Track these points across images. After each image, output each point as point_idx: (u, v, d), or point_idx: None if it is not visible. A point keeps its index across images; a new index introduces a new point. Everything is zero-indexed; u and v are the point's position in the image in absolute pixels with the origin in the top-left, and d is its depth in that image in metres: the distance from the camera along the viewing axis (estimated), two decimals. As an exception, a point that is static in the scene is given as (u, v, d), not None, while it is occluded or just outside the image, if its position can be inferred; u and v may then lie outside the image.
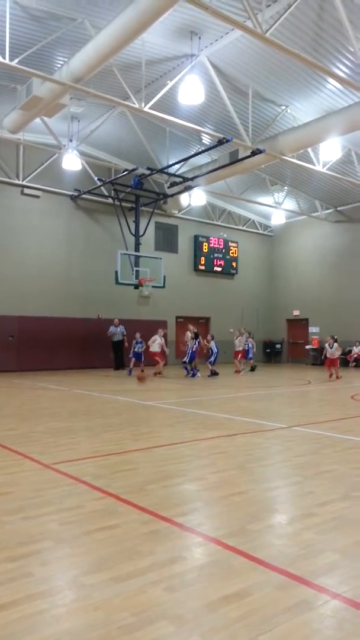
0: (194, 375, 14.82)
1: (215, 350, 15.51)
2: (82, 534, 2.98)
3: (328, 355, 14.51)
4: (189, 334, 15.45)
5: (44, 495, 3.72)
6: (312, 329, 22.93)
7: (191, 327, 15.76)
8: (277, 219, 22.85)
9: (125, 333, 17.36)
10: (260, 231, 25.17)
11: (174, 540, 2.92)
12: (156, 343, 15.13)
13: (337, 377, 14.30)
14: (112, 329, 17.45)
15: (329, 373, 14.52)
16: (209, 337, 16.11)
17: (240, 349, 16.87)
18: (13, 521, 3.17)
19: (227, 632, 1.99)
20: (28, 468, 4.53)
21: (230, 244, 23.57)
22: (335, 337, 14.95)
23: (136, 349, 15.66)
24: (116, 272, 17.06)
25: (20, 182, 17.56)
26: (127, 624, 2.03)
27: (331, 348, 14.46)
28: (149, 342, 15.19)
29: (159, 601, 2.22)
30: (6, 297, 16.85)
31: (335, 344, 14.55)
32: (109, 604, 2.19)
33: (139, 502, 3.52)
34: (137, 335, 15.82)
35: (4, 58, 9.97)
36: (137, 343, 15.64)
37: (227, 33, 11.16)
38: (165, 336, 15.93)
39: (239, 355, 16.85)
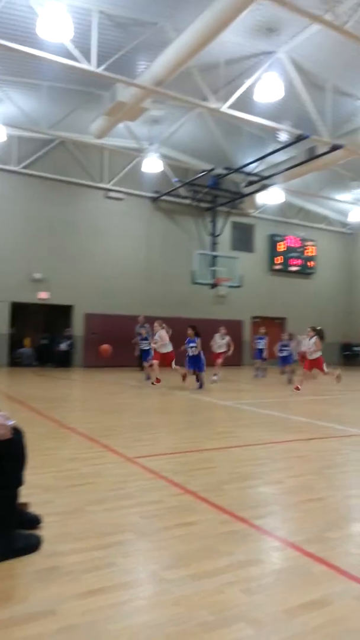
0: (201, 386, 11.12)
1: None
2: (162, 528, 3.07)
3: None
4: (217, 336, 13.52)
5: (125, 487, 3.86)
6: None
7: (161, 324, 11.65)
8: (357, 216, 21.97)
9: (150, 332, 15.48)
10: (339, 229, 24.33)
11: (251, 542, 2.93)
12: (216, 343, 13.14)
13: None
14: (138, 328, 15.15)
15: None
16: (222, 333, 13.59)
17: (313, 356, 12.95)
18: (98, 511, 3.32)
19: (306, 640, 1.98)
20: (110, 460, 4.72)
21: (307, 242, 22.98)
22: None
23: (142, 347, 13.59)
24: (193, 271, 17.22)
25: (104, 186, 18.23)
26: (206, 622, 2.08)
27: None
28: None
29: (237, 602, 2.24)
30: (90, 296, 17.57)
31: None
32: (188, 601, 2.24)
33: (217, 501, 3.56)
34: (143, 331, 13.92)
35: (91, 65, 10.40)
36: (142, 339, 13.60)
37: (306, 28, 10.91)
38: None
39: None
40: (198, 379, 10.98)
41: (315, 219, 23.69)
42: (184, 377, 11.31)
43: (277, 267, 22.09)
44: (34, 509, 3.13)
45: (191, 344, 10.99)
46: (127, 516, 3.26)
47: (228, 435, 6.28)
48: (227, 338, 13.50)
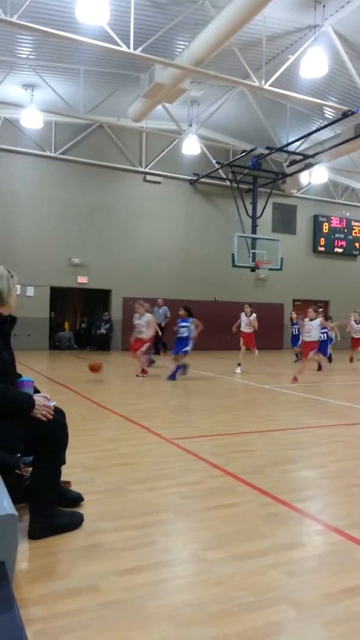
0: (173, 375, 9.73)
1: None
2: (203, 509, 3.07)
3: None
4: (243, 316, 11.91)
5: (166, 468, 3.89)
6: None
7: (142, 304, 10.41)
8: None
9: (168, 316, 15.66)
10: (387, 209, 23.46)
11: (293, 525, 2.89)
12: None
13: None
14: (156, 310, 14.69)
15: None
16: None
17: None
18: (139, 491, 3.35)
19: (349, 626, 1.94)
20: (151, 441, 4.76)
21: (354, 223, 22.30)
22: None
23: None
24: (233, 254, 17.03)
25: (143, 169, 18.20)
26: (247, 602, 2.06)
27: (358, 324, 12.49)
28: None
29: (279, 584, 2.22)
30: (129, 280, 17.68)
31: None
32: (229, 581, 2.23)
33: (257, 484, 3.52)
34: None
35: (129, 48, 10.31)
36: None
37: (354, -2, 10.43)
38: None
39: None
40: (177, 362, 9.79)
41: (360, 198, 22.96)
42: (143, 370, 10.16)
43: (321, 248, 21.58)
44: (75, 488, 3.18)
45: (182, 324, 9.87)
46: (168, 496, 3.28)
47: (267, 418, 6.22)
48: (253, 316, 11.71)
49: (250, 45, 12.12)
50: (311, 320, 9.76)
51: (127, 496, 3.26)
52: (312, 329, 9.74)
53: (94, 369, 9.34)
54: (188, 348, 9.83)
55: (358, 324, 12.62)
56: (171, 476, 3.69)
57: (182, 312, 10.16)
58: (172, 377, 9.65)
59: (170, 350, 11.62)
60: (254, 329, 11.61)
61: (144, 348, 10.07)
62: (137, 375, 10.06)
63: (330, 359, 12.94)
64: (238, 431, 5.37)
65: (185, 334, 9.83)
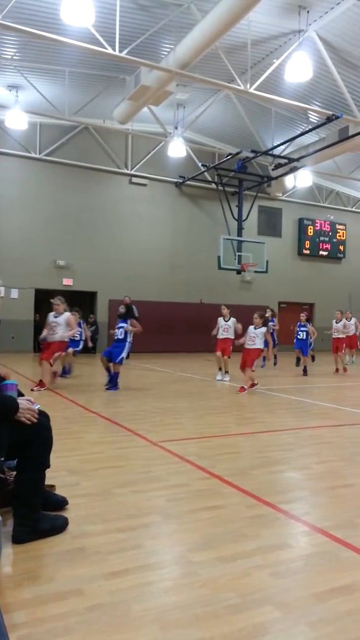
0: (111, 383, 8.62)
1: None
2: (189, 511, 3.06)
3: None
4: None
5: (152, 471, 3.87)
6: None
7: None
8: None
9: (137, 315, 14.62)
10: (371, 212, 23.75)
11: (279, 526, 2.90)
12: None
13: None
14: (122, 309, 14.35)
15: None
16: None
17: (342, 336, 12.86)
18: (124, 494, 3.33)
19: (335, 626, 1.94)
20: (137, 444, 4.74)
21: (338, 226, 22.52)
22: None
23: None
24: (219, 257, 17.08)
25: (128, 172, 18.18)
26: (233, 604, 2.06)
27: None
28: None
29: (265, 586, 2.22)
30: (115, 282, 17.63)
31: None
32: (215, 583, 2.23)
33: (243, 486, 3.53)
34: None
35: (115, 50, 10.29)
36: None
37: (338, 4, 10.54)
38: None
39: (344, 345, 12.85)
40: (109, 371, 8.58)
41: (347, 202, 23.17)
42: (54, 374, 8.75)
43: (306, 251, 21.75)
44: (60, 491, 3.15)
45: (120, 325, 8.66)
46: (154, 499, 3.26)
47: (253, 420, 6.23)
48: (231, 321, 10.37)
49: (235, 49, 12.19)
50: (256, 328, 8.75)
51: (112, 499, 3.24)
52: (256, 337, 8.71)
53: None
54: (123, 355, 8.50)
55: (338, 323, 12.85)
56: (157, 479, 3.67)
57: (121, 309, 8.93)
58: (112, 384, 8.45)
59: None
60: (236, 334, 10.08)
61: (56, 355, 8.48)
62: (33, 390, 7.89)
63: (312, 359, 13.11)
64: (224, 433, 5.37)
65: (121, 337, 8.56)
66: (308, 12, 10.91)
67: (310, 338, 12.24)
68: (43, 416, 2.78)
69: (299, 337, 12.07)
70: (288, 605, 2.06)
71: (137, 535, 2.71)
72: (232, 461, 4.22)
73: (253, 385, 8.74)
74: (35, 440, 2.65)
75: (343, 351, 12.75)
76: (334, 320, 13.07)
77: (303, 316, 12.35)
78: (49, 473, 2.78)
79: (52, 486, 3.16)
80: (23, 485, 2.62)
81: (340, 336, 12.82)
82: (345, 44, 11.92)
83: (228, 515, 3.01)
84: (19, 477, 2.64)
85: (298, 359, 12.45)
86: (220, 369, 10.42)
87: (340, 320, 13.08)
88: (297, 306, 19.98)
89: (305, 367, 11.78)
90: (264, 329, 8.88)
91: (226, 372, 10.28)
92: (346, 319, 13.35)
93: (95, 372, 11.35)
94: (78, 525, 2.78)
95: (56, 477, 3.43)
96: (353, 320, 13.68)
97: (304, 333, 12.03)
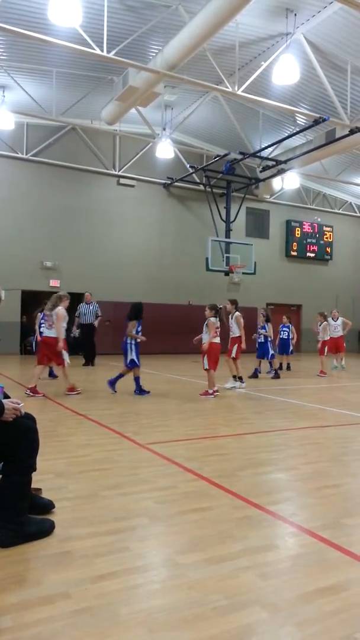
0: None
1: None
2: (176, 513, 3.06)
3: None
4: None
5: (139, 473, 3.86)
6: None
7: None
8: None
9: (99, 314, 13.66)
10: (358, 214, 23.97)
11: (266, 527, 2.91)
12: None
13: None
14: (83, 307, 13.41)
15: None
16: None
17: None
18: (111, 496, 3.32)
19: (322, 626, 1.95)
20: (125, 447, 4.72)
21: (325, 228, 22.70)
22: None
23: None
24: (207, 258, 17.12)
25: (116, 173, 18.14)
26: (221, 606, 2.06)
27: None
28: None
29: (252, 587, 2.22)
30: (103, 284, 17.56)
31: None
32: (202, 585, 2.23)
33: (231, 487, 3.54)
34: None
35: (102, 50, 10.27)
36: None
37: (325, 7, 10.63)
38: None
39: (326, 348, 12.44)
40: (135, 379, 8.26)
41: (334, 204, 23.36)
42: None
43: (294, 253, 21.88)
44: (46, 495, 3.13)
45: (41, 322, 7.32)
46: (141, 501, 3.25)
47: (241, 422, 6.25)
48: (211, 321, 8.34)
49: (223, 51, 12.23)
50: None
51: (99, 502, 3.22)
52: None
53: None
54: (131, 357, 8.11)
55: (320, 325, 12.62)
56: (145, 481, 3.67)
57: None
58: (136, 389, 8.22)
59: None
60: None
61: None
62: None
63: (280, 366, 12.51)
64: (212, 435, 5.38)
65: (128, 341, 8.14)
66: (295, 15, 10.99)
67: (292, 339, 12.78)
68: (29, 419, 2.76)
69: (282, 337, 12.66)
70: (275, 606, 2.07)
71: (124, 538, 2.70)
72: (220, 463, 4.22)
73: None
74: (21, 443, 2.63)
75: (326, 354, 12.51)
76: (331, 319, 13.27)
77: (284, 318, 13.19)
78: (35, 476, 2.76)
79: (39, 489, 3.14)
80: (9, 489, 2.60)
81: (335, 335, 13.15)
82: (332, 47, 12.03)
83: (216, 517, 3.01)
84: (4, 481, 2.62)
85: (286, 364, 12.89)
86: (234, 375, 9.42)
87: (337, 319, 13.43)
88: (285, 307, 20.06)
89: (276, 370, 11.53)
90: (211, 320, 8.17)
91: (238, 377, 9.32)
92: (333, 318, 13.46)
93: (82, 374, 11.30)
94: (65, 529, 2.77)
95: (42, 480, 3.41)
96: (340, 320, 13.74)
97: (286, 333, 12.66)
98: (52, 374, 10.46)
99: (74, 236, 17.44)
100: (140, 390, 8.23)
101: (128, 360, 8.15)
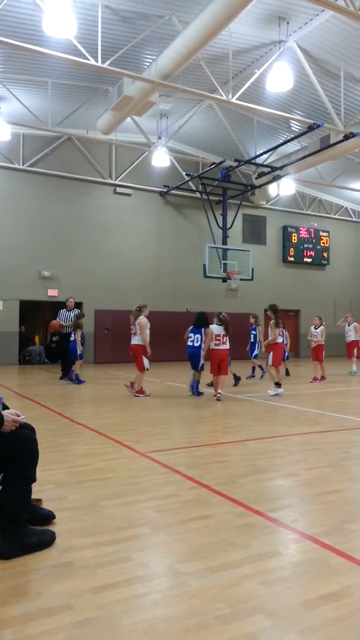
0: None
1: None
2: (178, 522, 3.04)
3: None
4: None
5: (140, 482, 3.85)
6: None
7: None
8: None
9: (80, 324, 11.92)
10: (354, 219, 24.06)
11: (268, 534, 2.89)
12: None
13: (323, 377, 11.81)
14: (63, 313, 12.31)
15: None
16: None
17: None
18: (112, 506, 3.31)
19: (325, 633, 1.94)
20: (125, 455, 4.71)
21: (321, 233, 22.75)
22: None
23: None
24: (204, 265, 17.14)
25: (112, 182, 18.20)
26: (223, 615, 2.05)
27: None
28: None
29: (255, 595, 2.21)
30: (101, 292, 17.58)
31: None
32: (204, 594, 2.22)
33: (232, 495, 3.52)
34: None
35: (97, 61, 10.35)
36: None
37: (317, 15, 10.74)
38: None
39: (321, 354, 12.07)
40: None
41: (330, 209, 23.44)
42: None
43: (291, 258, 21.94)
44: (47, 505, 3.12)
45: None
46: (142, 510, 3.24)
47: (241, 428, 6.23)
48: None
49: (217, 60, 12.33)
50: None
51: (100, 512, 3.21)
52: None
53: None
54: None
55: (316, 330, 12.44)
56: (145, 490, 3.65)
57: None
58: (193, 390, 9.11)
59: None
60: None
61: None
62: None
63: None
64: (213, 442, 5.37)
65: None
66: (288, 23, 11.09)
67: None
68: (29, 429, 2.76)
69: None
70: (278, 614, 2.06)
71: (125, 547, 2.68)
72: (221, 470, 4.21)
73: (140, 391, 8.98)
74: (21, 454, 2.62)
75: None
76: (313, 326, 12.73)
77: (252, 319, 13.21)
78: (35, 487, 2.75)
79: (39, 500, 3.12)
80: (9, 500, 2.59)
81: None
82: (325, 54, 12.13)
83: (217, 525, 3.00)
84: (4, 492, 2.61)
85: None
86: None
87: (351, 324, 13.54)
88: (283, 313, 20.05)
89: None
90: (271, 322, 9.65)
91: (276, 384, 9.29)
92: (348, 323, 13.48)
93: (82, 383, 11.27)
94: (65, 539, 2.75)
95: (43, 490, 3.40)
96: (353, 325, 13.65)
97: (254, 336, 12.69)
98: (68, 377, 10.84)
99: (71, 245, 17.47)
100: (197, 391, 9.11)
101: (200, 365, 9.03)
